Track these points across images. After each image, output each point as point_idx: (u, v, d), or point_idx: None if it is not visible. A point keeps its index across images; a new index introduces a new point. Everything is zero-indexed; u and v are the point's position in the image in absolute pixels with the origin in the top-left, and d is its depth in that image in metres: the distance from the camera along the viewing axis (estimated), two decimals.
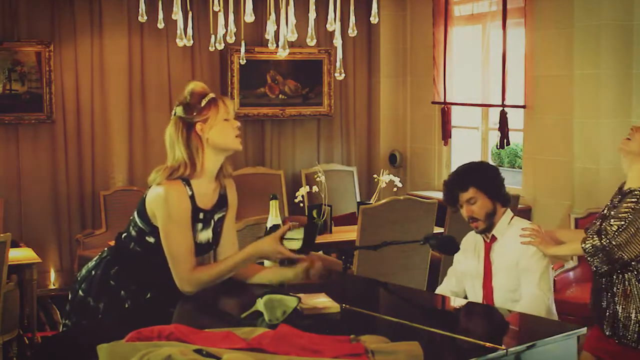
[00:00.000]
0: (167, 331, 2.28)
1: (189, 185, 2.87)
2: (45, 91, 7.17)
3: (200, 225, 2.92)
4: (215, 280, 2.88)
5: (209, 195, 2.95)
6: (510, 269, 3.33)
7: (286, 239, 2.89)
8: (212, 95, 2.92)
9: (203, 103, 2.89)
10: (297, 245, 2.90)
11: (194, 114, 2.88)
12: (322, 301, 2.73)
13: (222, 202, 3.01)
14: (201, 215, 2.92)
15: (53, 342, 3.04)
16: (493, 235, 3.38)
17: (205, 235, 2.96)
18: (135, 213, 2.94)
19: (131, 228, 2.95)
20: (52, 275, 7.37)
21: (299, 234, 2.90)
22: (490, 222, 3.33)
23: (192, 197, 2.87)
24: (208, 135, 2.88)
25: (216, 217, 2.99)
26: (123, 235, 3.00)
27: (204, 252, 2.98)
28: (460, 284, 3.59)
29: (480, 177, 3.38)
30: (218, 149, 2.91)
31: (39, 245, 6.95)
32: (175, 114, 2.92)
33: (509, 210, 3.42)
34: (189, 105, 2.90)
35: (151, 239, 2.89)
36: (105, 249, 3.10)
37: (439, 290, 3.73)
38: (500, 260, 3.37)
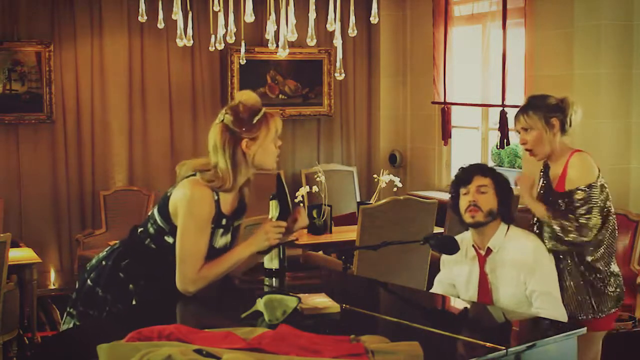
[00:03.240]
0: (167, 331, 2.28)
1: (216, 190, 2.87)
2: (45, 91, 7.17)
3: (221, 231, 2.92)
4: (217, 277, 2.88)
5: (231, 201, 2.95)
6: (512, 280, 3.27)
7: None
8: (263, 111, 2.88)
9: (255, 120, 2.85)
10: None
11: (244, 129, 2.84)
12: (322, 301, 2.73)
13: (241, 209, 3.02)
14: (224, 221, 2.92)
15: (53, 342, 3.04)
16: (488, 248, 3.34)
17: (224, 240, 2.96)
18: (156, 210, 2.92)
19: (149, 225, 2.93)
20: (52, 275, 7.38)
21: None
22: (487, 221, 3.30)
23: (217, 202, 2.87)
24: (254, 153, 2.86)
25: (235, 223, 3.00)
26: (139, 230, 2.98)
27: (216, 255, 2.95)
28: (445, 288, 3.53)
29: (501, 178, 3.39)
30: (257, 166, 2.91)
31: (39, 245, 6.95)
32: (222, 121, 2.86)
33: (503, 223, 3.39)
34: (239, 117, 2.85)
35: (170, 239, 2.88)
36: (118, 241, 3.09)
37: None
38: (501, 274, 3.30)
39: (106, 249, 3.06)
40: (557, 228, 3.29)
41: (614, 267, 3.45)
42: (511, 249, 3.28)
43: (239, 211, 3.00)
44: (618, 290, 3.45)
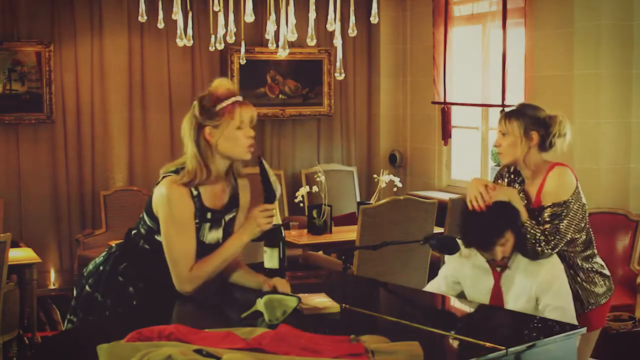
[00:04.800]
0: (167, 331, 2.28)
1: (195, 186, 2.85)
2: (45, 91, 7.17)
3: (208, 225, 2.90)
4: (212, 274, 2.85)
5: (218, 194, 2.91)
6: (523, 295, 3.22)
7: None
8: (231, 100, 2.83)
9: (218, 108, 2.82)
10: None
11: (205, 117, 2.82)
12: (322, 301, 2.73)
13: (233, 203, 2.98)
14: (209, 215, 2.89)
15: (53, 342, 3.04)
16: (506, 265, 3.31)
17: (215, 235, 2.93)
18: (144, 211, 2.93)
19: (140, 226, 2.94)
20: (52, 275, 7.38)
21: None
22: (513, 256, 3.27)
23: (197, 197, 2.84)
24: (217, 141, 2.83)
25: (227, 217, 2.96)
26: (133, 232, 2.98)
27: (208, 252, 2.93)
28: (451, 290, 3.50)
29: (513, 219, 3.24)
30: (224, 155, 2.86)
31: (39, 245, 6.95)
32: (193, 107, 2.87)
33: None
34: (203, 105, 2.84)
35: (160, 238, 2.87)
36: (114, 244, 3.08)
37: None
38: (513, 288, 3.26)
39: (102, 254, 3.04)
40: (530, 237, 3.22)
41: (596, 265, 3.43)
42: (523, 264, 3.26)
43: (230, 205, 2.96)
44: (604, 287, 3.43)
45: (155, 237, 2.89)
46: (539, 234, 3.21)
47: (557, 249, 3.26)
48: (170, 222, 2.81)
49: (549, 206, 3.25)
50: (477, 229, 3.22)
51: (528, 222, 3.23)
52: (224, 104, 2.83)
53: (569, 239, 3.28)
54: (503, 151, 3.38)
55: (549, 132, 3.31)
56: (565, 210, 3.25)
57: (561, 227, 3.23)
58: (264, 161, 2.97)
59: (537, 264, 3.23)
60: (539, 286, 3.20)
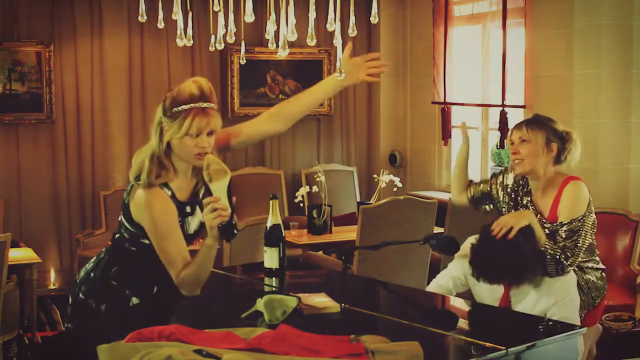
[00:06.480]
0: (167, 331, 2.28)
1: (167, 185, 2.80)
2: (45, 91, 7.17)
3: (189, 218, 2.87)
4: (199, 275, 2.75)
5: (185, 184, 2.86)
6: (534, 310, 3.25)
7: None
8: (188, 106, 2.74)
9: (174, 110, 2.76)
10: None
11: (164, 114, 2.78)
12: (322, 301, 2.74)
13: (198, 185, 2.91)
14: (188, 209, 2.86)
15: (53, 342, 3.04)
16: None
17: (195, 221, 2.89)
18: (122, 217, 2.87)
19: (123, 231, 2.89)
20: (52, 275, 7.38)
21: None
22: None
23: (172, 196, 2.80)
24: (170, 140, 2.77)
25: (200, 193, 2.89)
26: (116, 236, 2.95)
27: (194, 239, 2.93)
28: (459, 288, 3.51)
29: (528, 269, 3.21)
30: (179, 158, 2.82)
31: (39, 245, 6.95)
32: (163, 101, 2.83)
33: None
34: (165, 102, 2.79)
35: (146, 241, 2.82)
36: (103, 249, 3.05)
37: (433, 284, 3.63)
38: (524, 299, 3.27)
39: (92, 260, 3.01)
40: (551, 257, 3.22)
41: (593, 263, 3.47)
42: (539, 279, 3.26)
43: (198, 186, 2.89)
44: (602, 280, 3.49)
45: (141, 240, 2.84)
46: (559, 253, 3.22)
47: (576, 262, 3.30)
48: (155, 230, 2.76)
49: (567, 223, 3.29)
50: (489, 263, 3.20)
51: (547, 244, 3.23)
52: (179, 109, 2.76)
53: (584, 249, 3.33)
54: (524, 158, 3.37)
55: (564, 146, 3.38)
56: (582, 225, 3.29)
57: (579, 241, 3.28)
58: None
59: (554, 279, 3.25)
60: (553, 299, 3.22)
